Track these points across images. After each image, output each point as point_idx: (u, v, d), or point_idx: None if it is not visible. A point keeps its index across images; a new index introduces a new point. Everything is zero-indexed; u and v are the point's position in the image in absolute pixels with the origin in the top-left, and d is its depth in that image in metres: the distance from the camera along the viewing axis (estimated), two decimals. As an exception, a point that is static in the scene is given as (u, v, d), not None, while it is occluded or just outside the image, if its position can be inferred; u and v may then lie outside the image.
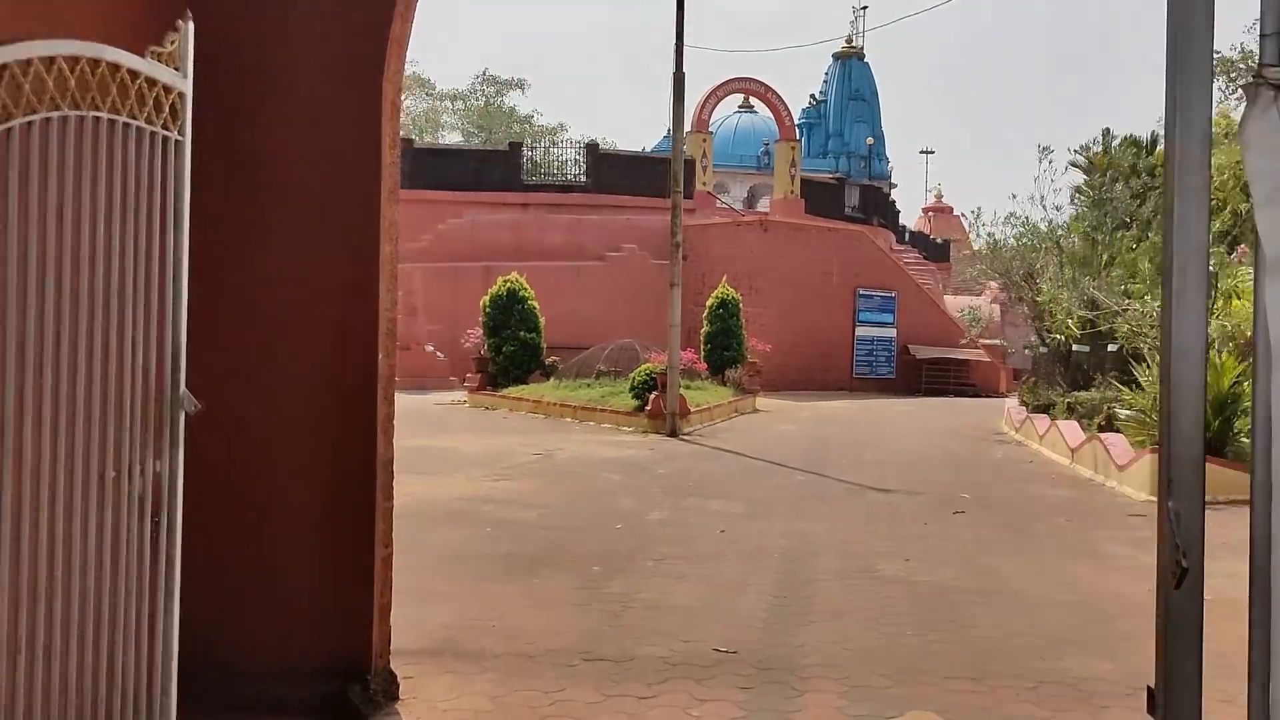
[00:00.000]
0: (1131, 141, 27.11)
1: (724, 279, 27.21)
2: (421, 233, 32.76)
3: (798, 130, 47.30)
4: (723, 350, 26.23)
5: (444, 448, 16.86)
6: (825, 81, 68.48)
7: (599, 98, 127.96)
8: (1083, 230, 20.76)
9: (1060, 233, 20.74)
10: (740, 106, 62.41)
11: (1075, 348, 18.94)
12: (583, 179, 33.76)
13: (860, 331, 33.50)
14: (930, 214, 70.37)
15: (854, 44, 67.16)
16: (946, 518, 11.28)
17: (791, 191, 35.16)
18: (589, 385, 23.24)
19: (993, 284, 47.95)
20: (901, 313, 34.55)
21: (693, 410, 20.94)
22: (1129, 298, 16.72)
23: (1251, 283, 2.25)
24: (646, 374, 20.50)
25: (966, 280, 57.97)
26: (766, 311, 31.33)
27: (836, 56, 66.34)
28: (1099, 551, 9.65)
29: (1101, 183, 23.32)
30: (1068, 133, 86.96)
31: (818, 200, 35.00)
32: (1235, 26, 26.33)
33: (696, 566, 8.88)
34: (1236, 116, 21.27)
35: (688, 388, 23.25)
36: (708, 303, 26.77)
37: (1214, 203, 21.13)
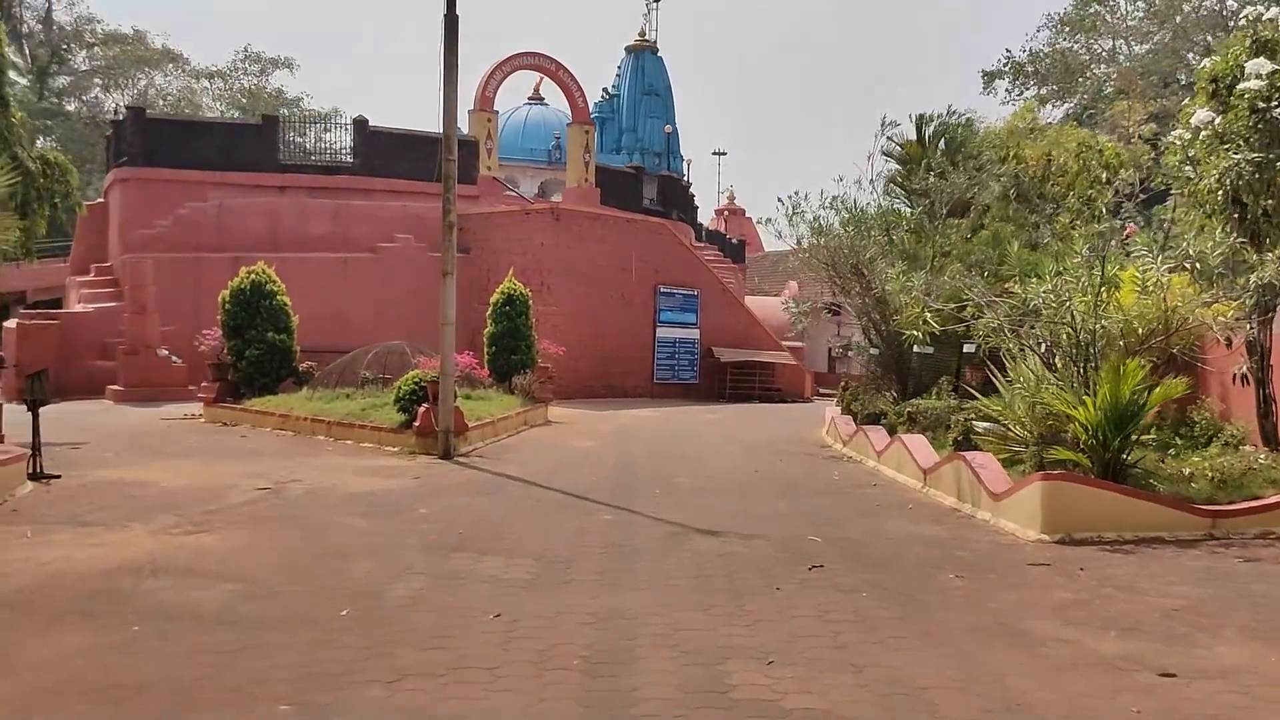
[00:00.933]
0: (944, 129, 25.55)
1: (510, 272, 23.86)
2: (156, 217, 27.85)
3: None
4: (509, 354, 22.90)
5: (139, 481, 12.86)
6: (618, 75, 66.15)
7: (377, 83, 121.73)
8: (909, 221, 18.65)
9: (891, 219, 18.54)
10: (531, 98, 59.15)
11: (916, 348, 16.72)
12: (350, 159, 29.62)
13: (661, 332, 30.90)
14: (724, 215, 69.23)
15: (646, 37, 65.17)
16: (801, 574, 8.38)
17: (586, 179, 32.21)
18: (349, 396, 19.40)
19: (793, 283, 46.79)
20: (705, 313, 32.18)
21: (472, 425, 17.52)
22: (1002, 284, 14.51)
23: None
24: (415, 383, 16.92)
25: (763, 278, 56.88)
26: (559, 310, 28.22)
27: (629, 49, 64.08)
28: (1022, 631, 6.92)
29: (914, 170, 21.43)
30: (864, 131, 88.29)
31: (614, 191, 32.26)
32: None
33: (451, 692, 5.57)
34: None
35: (467, 398, 19.80)
36: (492, 299, 23.39)
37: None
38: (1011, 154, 19.59)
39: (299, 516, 10.88)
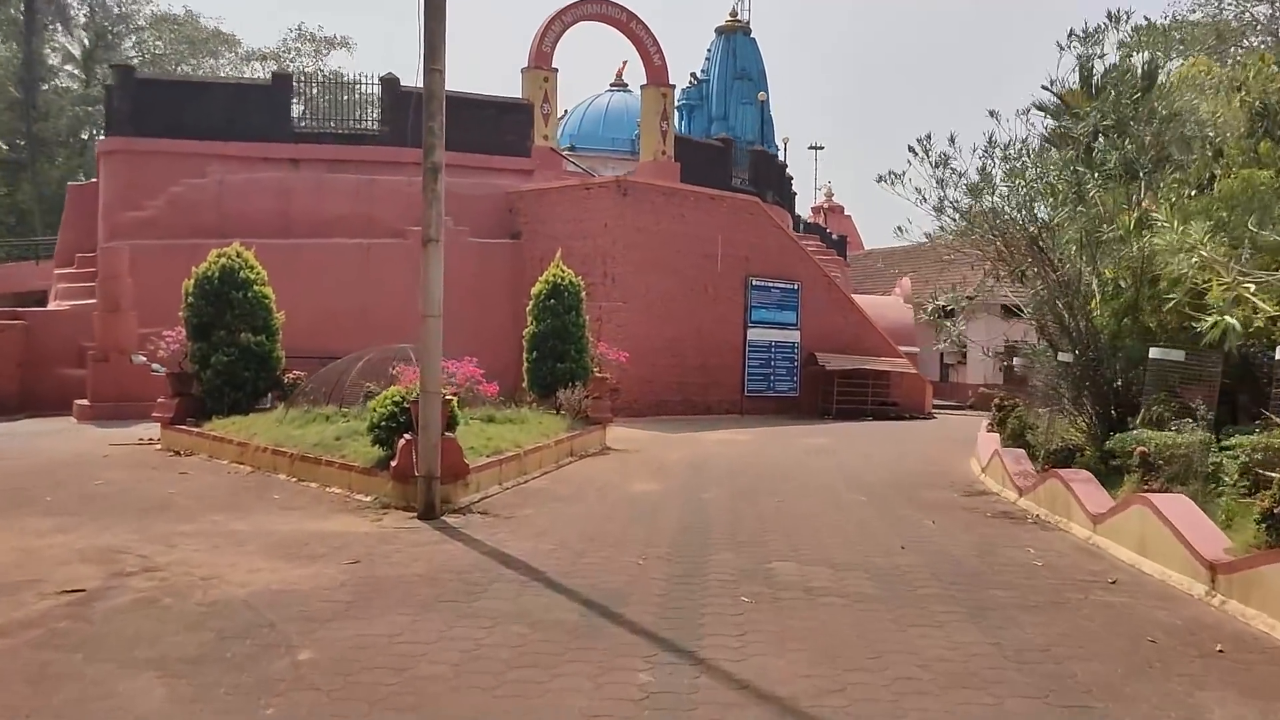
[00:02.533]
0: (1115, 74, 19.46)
1: (558, 256, 18.57)
2: (146, 197, 23.32)
3: (678, 114, 39.23)
4: (554, 361, 17.63)
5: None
6: (707, 59, 60.69)
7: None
8: (1112, 163, 12.77)
9: (1084, 171, 12.68)
10: (613, 84, 54.09)
11: (1155, 354, 10.97)
12: (378, 127, 24.75)
13: (753, 334, 25.33)
14: (822, 212, 63.27)
15: (739, 17, 59.55)
16: None
17: (663, 152, 26.90)
18: (328, 418, 14.33)
19: (905, 279, 40.56)
20: (806, 311, 26.50)
21: (483, 462, 12.30)
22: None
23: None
24: (395, 403, 11.71)
25: (866, 277, 50.69)
26: (626, 307, 22.88)
27: (720, 31, 58.46)
28: None
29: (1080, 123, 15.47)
30: (980, 126, 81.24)
31: (698, 167, 26.89)
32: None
33: None
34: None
35: (490, 421, 14.63)
36: (533, 291, 18.14)
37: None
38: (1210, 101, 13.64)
39: (43, 677, 5.69)
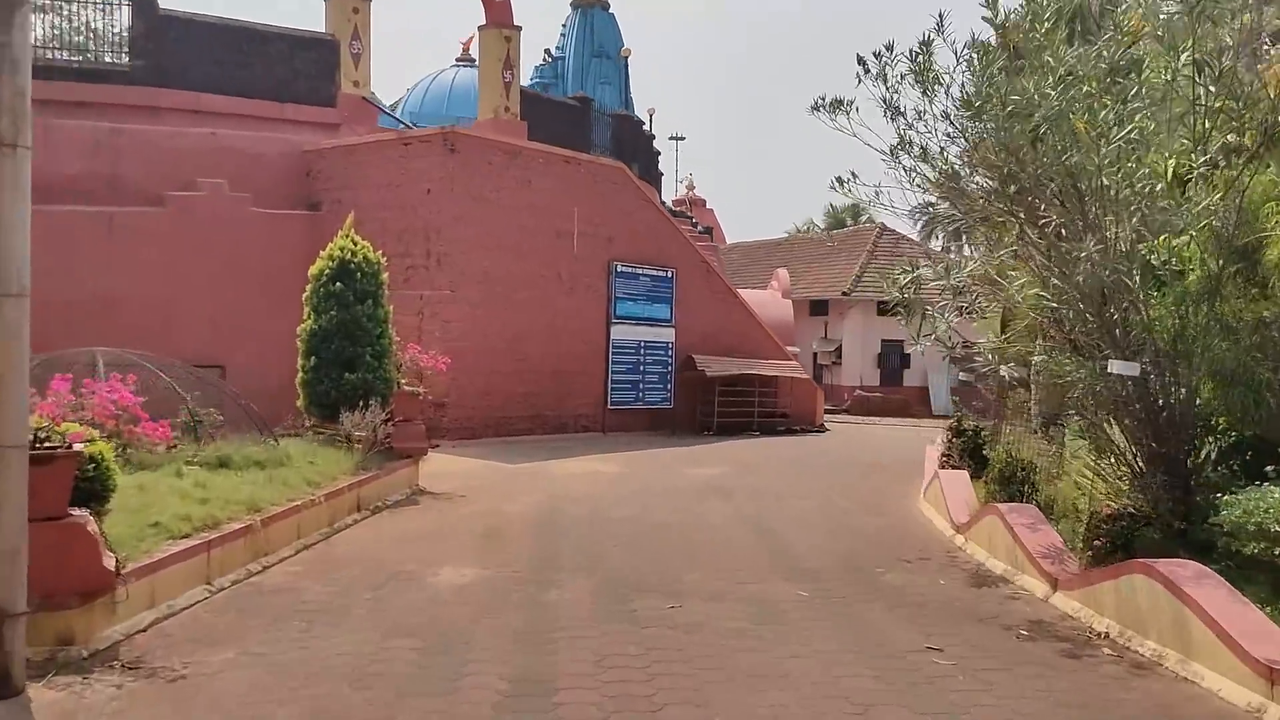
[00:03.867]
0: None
1: (348, 223, 13.22)
2: None
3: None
4: (342, 370, 12.35)
5: None
6: (563, 35, 55.58)
7: None
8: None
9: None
10: (459, 58, 48.37)
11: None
12: (128, 60, 18.86)
13: (619, 332, 20.54)
14: (683, 206, 58.97)
15: (597, -11, 54.57)
16: None
17: (506, 109, 21.79)
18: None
19: (782, 271, 36.31)
20: (683, 304, 21.88)
21: (174, 551, 7.09)
22: None
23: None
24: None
25: (733, 273, 46.55)
26: (457, 297, 17.74)
27: (576, 5, 53.39)
28: None
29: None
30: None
31: (549, 129, 21.92)
32: None
33: None
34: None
35: (221, 465, 9.42)
36: (311, 271, 12.79)
37: None
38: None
39: None
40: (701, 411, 22.16)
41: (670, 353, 21.65)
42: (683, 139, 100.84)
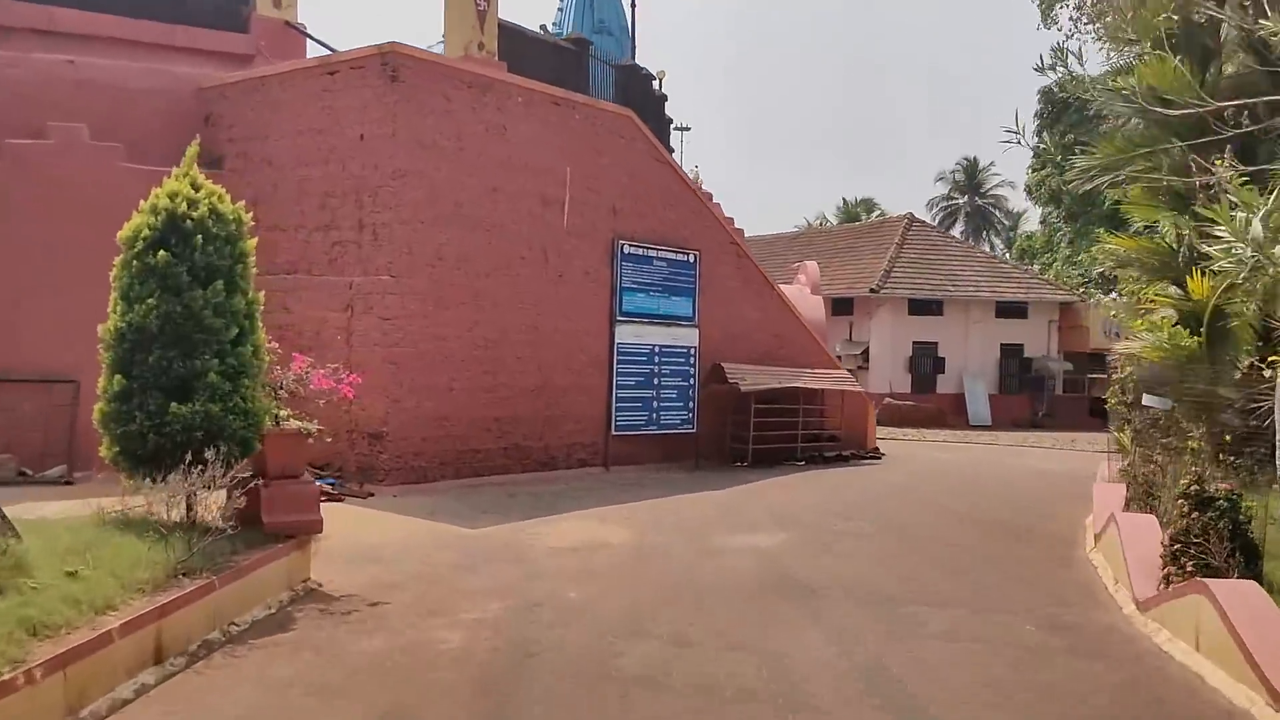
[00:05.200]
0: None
1: (190, 153, 8.13)
2: None
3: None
4: (168, 397, 7.27)
5: None
6: (560, 10, 50.55)
7: None
8: None
9: None
10: None
11: None
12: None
13: (626, 334, 15.48)
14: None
15: (597, -42, 49.39)
16: None
17: (480, 45, 16.69)
18: None
19: (810, 263, 31.16)
20: (708, 297, 16.82)
21: None
22: None
23: None
24: None
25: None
26: (400, 285, 12.63)
27: (573, -25, 48.21)
28: None
29: None
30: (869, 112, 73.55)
31: (535, 72, 16.78)
32: None
33: None
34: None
35: None
36: (122, 234, 7.72)
37: None
38: None
39: None
40: (733, 436, 17.11)
41: (692, 361, 16.58)
42: (688, 129, 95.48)
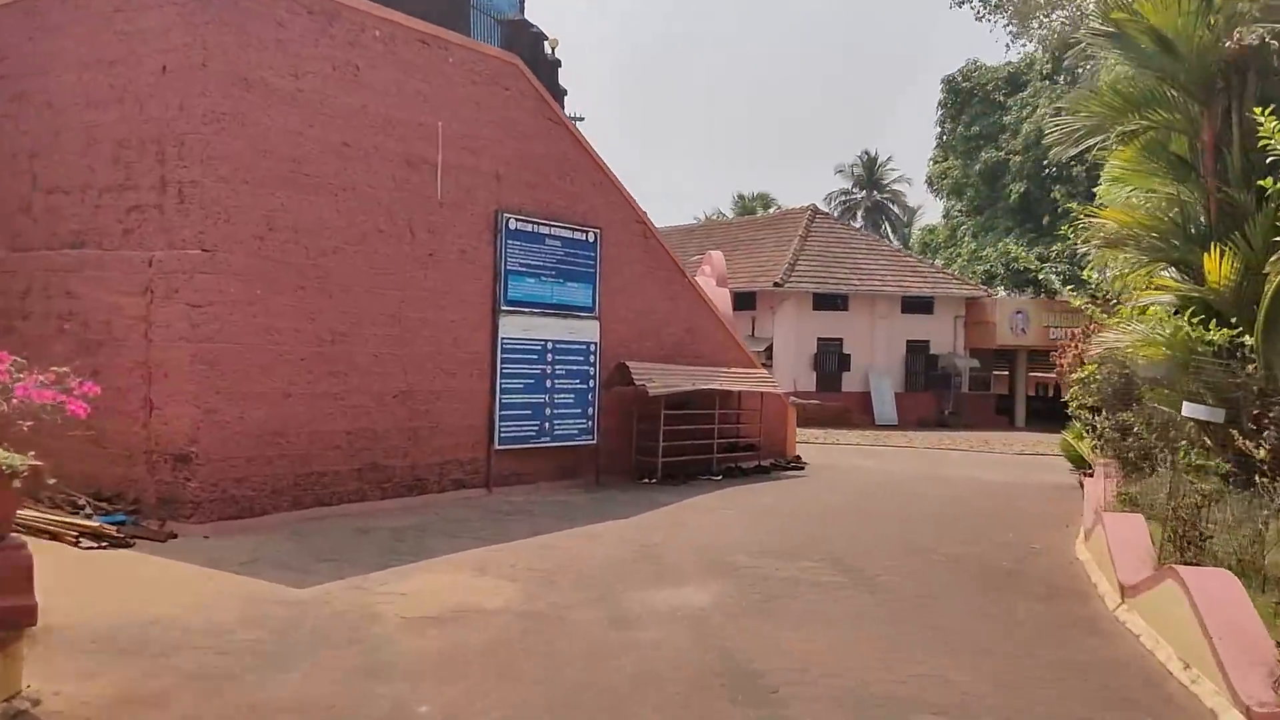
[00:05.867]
0: None
1: None
2: None
3: None
4: None
5: None
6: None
7: None
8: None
9: None
10: None
11: None
12: None
13: (513, 328, 12.77)
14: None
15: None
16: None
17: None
18: None
19: (715, 253, 28.92)
20: (610, 283, 14.25)
21: None
22: None
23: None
24: None
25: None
26: (213, 264, 9.71)
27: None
28: None
29: None
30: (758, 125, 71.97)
31: (402, 10, 13.96)
32: None
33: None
34: None
35: None
36: None
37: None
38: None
39: None
40: (640, 448, 14.61)
41: (593, 359, 13.99)
42: (581, 120, 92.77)
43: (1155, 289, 9.75)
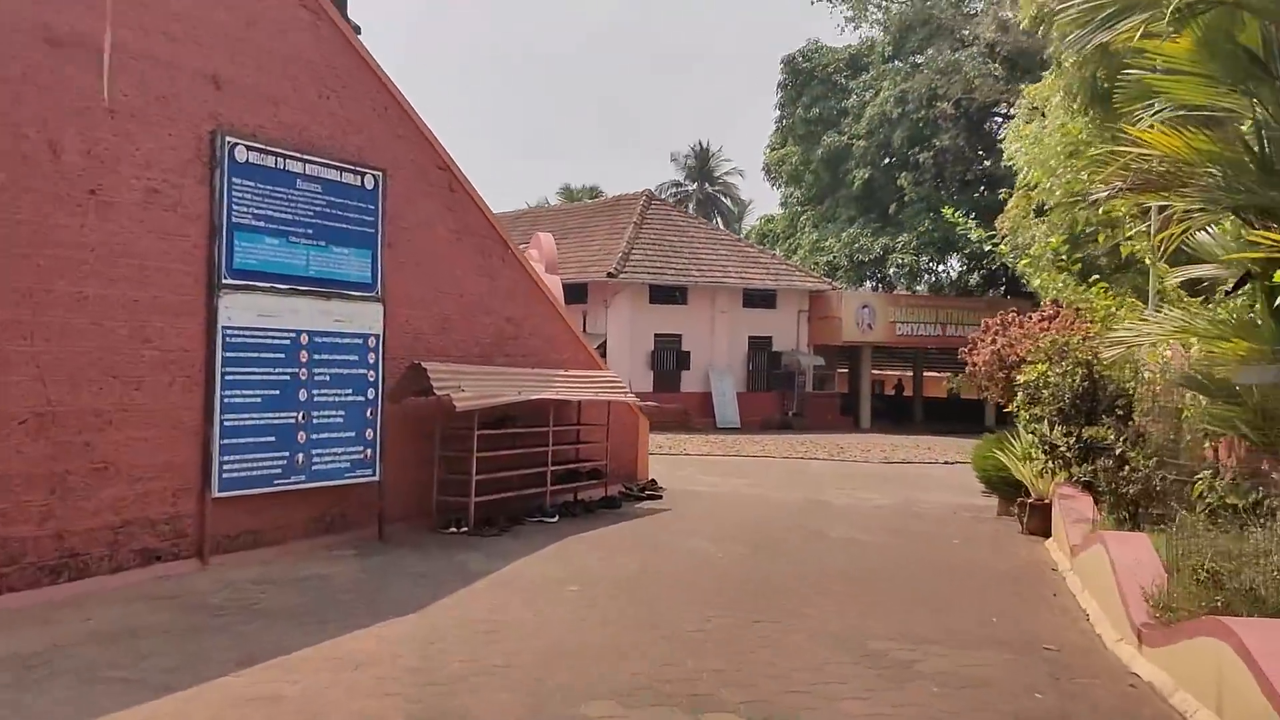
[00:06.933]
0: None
1: None
2: None
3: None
4: None
5: None
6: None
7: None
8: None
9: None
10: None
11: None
12: None
13: (242, 312, 8.42)
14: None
15: None
16: None
17: None
18: None
19: (543, 235, 24.91)
20: (401, 250, 10.02)
21: None
22: None
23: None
24: None
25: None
26: None
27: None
28: None
29: None
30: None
31: None
32: None
33: None
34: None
35: None
36: None
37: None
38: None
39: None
40: (445, 483, 10.42)
41: (373, 359, 9.70)
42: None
43: (1238, 249, 6.36)
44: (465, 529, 10.07)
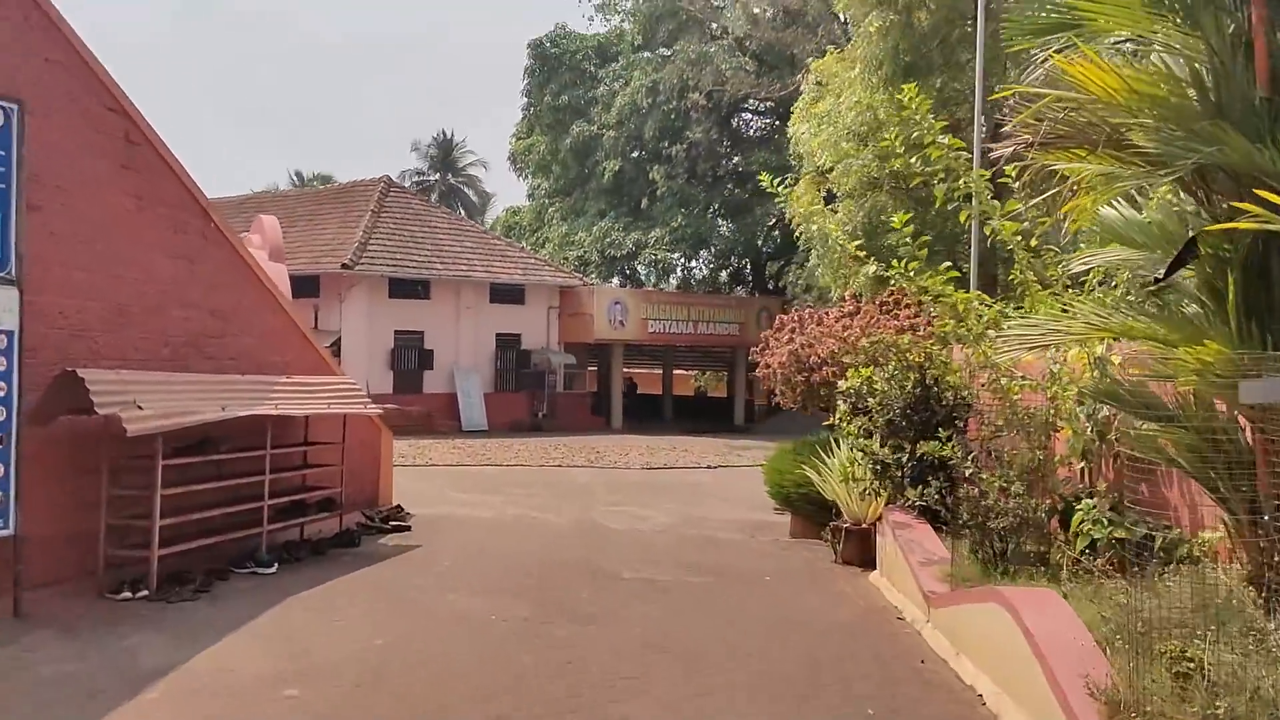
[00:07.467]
0: None
1: None
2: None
3: None
4: None
5: None
6: None
7: None
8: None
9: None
10: None
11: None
12: None
13: None
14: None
15: None
16: None
17: None
18: None
19: (266, 217, 21.71)
20: (51, 220, 7.30)
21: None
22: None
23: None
24: None
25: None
26: None
27: None
28: None
29: None
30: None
31: None
32: None
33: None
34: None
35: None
36: None
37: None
38: None
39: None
40: (118, 530, 7.78)
41: (4, 362, 6.96)
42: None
43: (1168, 225, 4.97)
44: (145, 593, 7.48)
